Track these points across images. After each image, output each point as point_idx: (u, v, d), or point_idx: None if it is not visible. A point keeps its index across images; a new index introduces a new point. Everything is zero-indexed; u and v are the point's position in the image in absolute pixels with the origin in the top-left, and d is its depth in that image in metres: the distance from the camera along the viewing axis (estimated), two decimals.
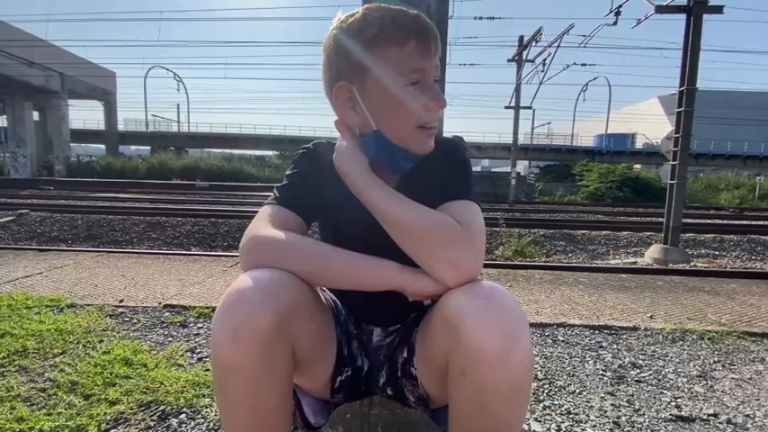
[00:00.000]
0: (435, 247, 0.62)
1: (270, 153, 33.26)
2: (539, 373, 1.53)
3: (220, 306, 0.58)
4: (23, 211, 7.27)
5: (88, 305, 2.04)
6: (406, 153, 0.71)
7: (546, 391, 1.40)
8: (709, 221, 9.72)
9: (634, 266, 4.74)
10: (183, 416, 1.15)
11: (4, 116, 22.87)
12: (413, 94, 0.67)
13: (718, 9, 5.67)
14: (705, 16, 5.61)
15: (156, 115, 35.61)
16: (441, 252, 0.61)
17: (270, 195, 0.76)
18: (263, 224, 0.68)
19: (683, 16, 5.72)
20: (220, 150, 33.65)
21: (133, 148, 36.91)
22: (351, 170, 0.70)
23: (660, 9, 6.03)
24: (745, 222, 9.52)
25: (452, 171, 0.74)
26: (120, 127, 30.47)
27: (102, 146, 30.11)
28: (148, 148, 31.06)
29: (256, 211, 0.73)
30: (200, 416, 1.15)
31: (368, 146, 0.72)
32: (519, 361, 0.54)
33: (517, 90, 14.95)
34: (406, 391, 0.79)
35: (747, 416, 1.27)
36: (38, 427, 1.05)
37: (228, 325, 0.56)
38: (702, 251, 6.34)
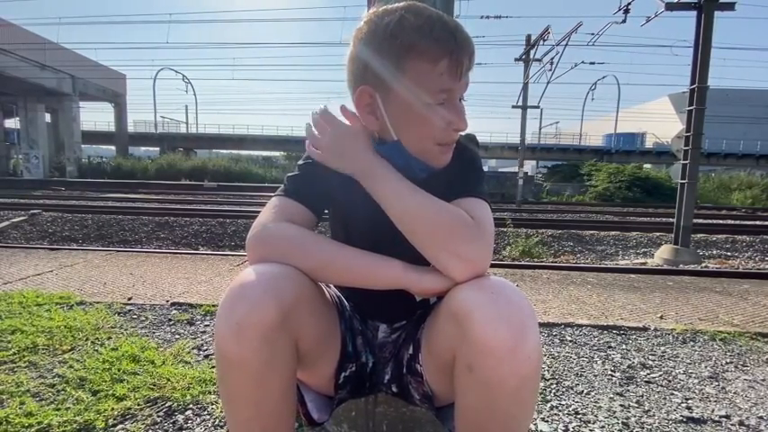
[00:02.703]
0: (446, 241, 0.61)
1: (277, 154, 33.46)
2: (546, 372, 1.51)
3: (224, 300, 0.58)
4: (36, 211, 7.39)
5: (97, 303, 2.06)
6: (422, 165, 0.70)
7: (553, 390, 1.38)
8: (720, 222, 9.57)
9: (644, 267, 4.67)
10: (189, 412, 1.16)
11: (17, 118, 23.26)
12: (436, 112, 0.65)
13: (730, 5, 5.58)
14: (716, 13, 5.53)
15: (164, 117, 36.03)
16: (451, 245, 0.60)
17: (279, 186, 0.75)
18: (271, 217, 0.68)
19: (694, 13, 5.65)
20: (228, 151, 33.94)
21: (143, 149, 37.36)
22: (355, 157, 0.68)
23: (670, 6, 5.95)
24: (758, 223, 9.35)
25: (462, 169, 0.73)
26: (130, 128, 30.83)
27: (113, 147, 30.49)
28: (157, 149, 31.40)
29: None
30: (206, 412, 1.16)
31: (386, 152, 0.70)
32: (527, 356, 0.53)
33: (524, 89, 14.85)
34: (411, 388, 0.78)
35: (761, 417, 1.24)
36: (46, 421, 1.07)
37: (231, 319, 0.56)
38: (714, 252, 6.24)
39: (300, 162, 0.77)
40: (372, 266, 0.64)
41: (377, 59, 0.64)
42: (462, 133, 0.79)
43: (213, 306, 2.07)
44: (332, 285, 0.83)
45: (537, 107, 15.76)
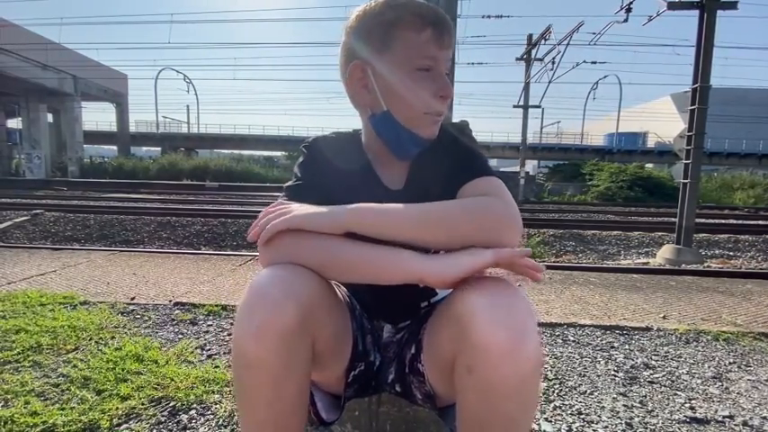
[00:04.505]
0: (486, 232, 0.61)
1: (278, 154, 33.50)
2: (549, 373, 1.51)
3: (243, 302, 0.58)
4: (38, 211, 7.41)
5: (100, 302, 2.07)
6: (412, 136, 0.73)
7: (556, 391, 1.38)
8: (723, 221, 9.54)
9: (646, 267, 4.67)
10: (192, 411, 1.16)
11: (20, 118, 23.33)
12: (423, 79, 0.70)
13: (732, 4, 5.57)
14: (718, 12, 5.51)
15: (166, 117, 36.14)
16: (492, 234, 0.61)
17: (279, 195, 0.76)
18: None
19: (696, 12, 5.63)
20: (229, 151, 33.98)
21: (144, 149, 37.41)
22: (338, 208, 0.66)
23: (672, 5, 5.94)
24: (760, 222, 9.32)
25: (465, 152, 0.76)
26: (132, 128, 30.86)
27: (114, 147, 30.55)
28: (159, 149, 31.46)
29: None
30: (209, 412, 1.16)
31: (377, 125, 0.75)
32: (526, 357, 0.53)
33: (526, 89, 14.84)
34: (414, 387, 0.79)
35: (764, 418, 1.24)
36: (51, 421, 1.07)
37: (251, 321, 0.56)
38: (716, 252, 6.23)
39: (296, 169, 0.78)
40: (383, 258, 0.62)
41: (366, 34, 0.70)
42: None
43: (216, 306, 2.08)
44: (341, 285, 0.83)
45: (538, 107, 15.77)
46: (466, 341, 0.55)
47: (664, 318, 2.16)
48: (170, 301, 2.18)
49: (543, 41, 13.51)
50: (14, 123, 25.71)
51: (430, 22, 0.68)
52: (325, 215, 0.64)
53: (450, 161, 0.75)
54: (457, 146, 0.78)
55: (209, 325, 1.87)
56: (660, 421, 1.20)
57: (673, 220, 6.58)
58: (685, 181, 5.79)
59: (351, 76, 0.73)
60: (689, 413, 1.25)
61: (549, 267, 3.72)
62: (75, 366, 1.37)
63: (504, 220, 0.62)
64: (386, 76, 0.71)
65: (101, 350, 1.51)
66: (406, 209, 0.63)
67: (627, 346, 1.78)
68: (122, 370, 1.34)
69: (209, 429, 1.09)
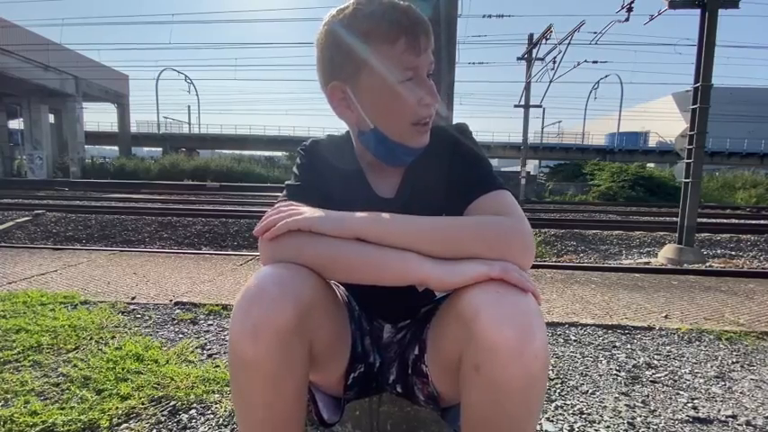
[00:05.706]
0: (498, 254, 0.59)
1: (279, 154, 33.51)
2: (551, 372, 1.50)
3: (240, 301, 0.57)
4: (40, 211, 7.42)
5: (101, 302, 2.07)
6: (404, 148, 0.71)
7: (558, 390, 1.37)
8: (725, 221, 9.51)
9: (648, 266, 4.65)
10: (193, 411, 1.16)
11: (21, 119, 23.39)
12: (405, 90, 0.67)
13: (734, 3, 5.55)
14: (720, 11, 5.50)
15: (167, 117, 36.23)
16: (505, 255, 0.59)
17: (279, 195, 0.75)
18: None
19: (698, 11, 5.62)
20: (230, 151, 33.99)
21: (145, 149, 37.45)
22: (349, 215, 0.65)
23: (674, 4, 5.92)
24: (762, 222, 9.29)
25: (470, 159, 0.74)
26: (133, 129, 30.90)
27: (116, 147, 30.60)
28: (160, 149, 31.50)
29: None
30: (209, 411, 1.16)
31: (367, 143, 0.73)
32: (534, 355, 0.52)
33: (527, 88, 14.81)
34: (416, 388, 0.78)
35: (767, 418, 1.23)
36: (51, 420, 1.07)
37: (248, 320, 0.55)
38: (718, 251, 6.21)
39: (294, 170, 0.78)
40: (384, 259, 0.61)
41: (340, 52, 0.66)
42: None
43: (216, 305, 2.08)
44: (340, 285, 0.82)
45: (539, 106, 15.73)
46: (472, 339, 0.54)
47: (666, 317, 2.15)
48: (170, 300, 2.17)
49: (544, 41, 13.50)
50: (16, 124, 25.81)
51: (402, 29, 0.64)
52: (336, 221, 0.63)
53: (453, 168, 0.72)
54: (459, 150, 0.75)
55: (209, 324, 1.87)
56: (663, 421, 1.20)
57: (674, 219, 6.56)
58: (687, 180, 5.77)
59: (331, 97, 0.71)
60: (692, 413, 1.24)
61: (550, 267, 3.71)
62: (75, 366, 1.37)
63: (518, 241, 0.60)
64: (366, 95, 0.68)
65: (101, 350, 1.50)
66: (418, 222, 0.62)
67: (629, 346, 1.77)
68: (122, 369, 1.34)
69: (209, 429, 1.09)
